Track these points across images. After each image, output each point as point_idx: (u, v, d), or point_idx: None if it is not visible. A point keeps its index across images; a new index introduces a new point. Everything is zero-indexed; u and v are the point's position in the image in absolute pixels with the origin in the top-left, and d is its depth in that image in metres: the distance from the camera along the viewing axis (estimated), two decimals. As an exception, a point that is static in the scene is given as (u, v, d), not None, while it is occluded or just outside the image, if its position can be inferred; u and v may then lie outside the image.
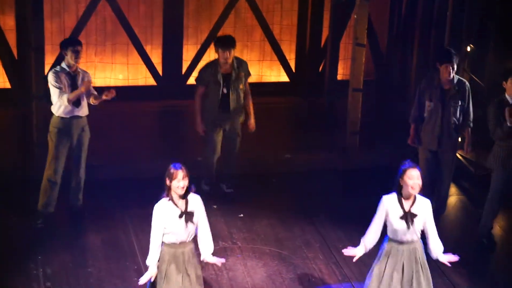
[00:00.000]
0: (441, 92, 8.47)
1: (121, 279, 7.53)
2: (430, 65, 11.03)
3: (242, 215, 8.88)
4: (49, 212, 8.40)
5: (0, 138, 10.08)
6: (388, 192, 6.39)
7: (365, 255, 6.54)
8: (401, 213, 6.26)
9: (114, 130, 10.54)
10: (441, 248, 6.43)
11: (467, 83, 8.56)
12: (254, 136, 9.42)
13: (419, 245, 6.40)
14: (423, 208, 6.32)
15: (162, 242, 6.22)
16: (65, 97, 8.11)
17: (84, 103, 8.32)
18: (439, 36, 10.66)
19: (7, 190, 8.91)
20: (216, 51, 8.88)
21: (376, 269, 6.46)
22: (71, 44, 8.21)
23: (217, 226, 8.28)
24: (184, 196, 6.18)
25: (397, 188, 6.31)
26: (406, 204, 6.28)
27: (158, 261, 6.23)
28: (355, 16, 10.02)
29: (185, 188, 6.14)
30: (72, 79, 8.20)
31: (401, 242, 6.33)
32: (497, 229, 8.91)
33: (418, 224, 6.28)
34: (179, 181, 6.09)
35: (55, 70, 8.22)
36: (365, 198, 8.59)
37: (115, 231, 8.42)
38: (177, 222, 6.15)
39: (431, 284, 6.48)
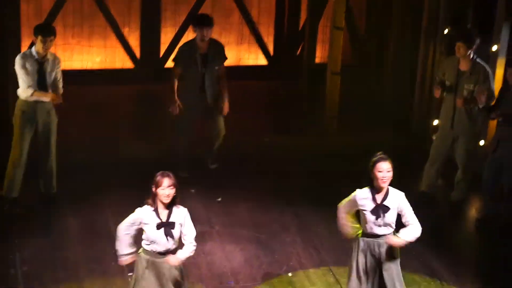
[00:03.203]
0: (457, 73, 8.51)
1: (98, 263, 7.50)
2: (406, 48, 11.08)
3: (220, 199, 8.87)
4: (13, 197, 8.35)
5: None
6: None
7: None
8: (373, 206, 6.21)
9: (91, 114, 10.48)
10: (411, 234, 6.30)
11: (485, 67, 8.48)
12: (232, 119, 9.40)
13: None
14: (396, 200, 6.24)
15: (142, 248, 6.08)
16: (29, 91, 8.06)
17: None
18: (416, 20, 10.67)
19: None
20: (193, 30, 8.84)
21: (353, 263, 6.40)
22: (43, 33, 8.03)
23: (195, 211, 8.18)
24: (168, 206, 5.98)
25: (369, 181, 6.23)
26: (378, 197, 6.22)
27: (135, 263, 6.11)
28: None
29: (170, 197, 5.93)
30: (40, 66, 8.10)
31: (375, 236, 6.29)
32: (473, 212, 8.98)
33: (390, 217, 6.22)
34: (164, 188, 5.89)
35: (23, 54, 8.13)
36: (343, 182, 8.62)
37: (93, 215, 8.39)
38: (156, 232, 5.97)
39: (401, 278, 6.42)
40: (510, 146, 8.21)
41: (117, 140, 9.85)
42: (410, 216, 6.29)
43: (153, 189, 5.96)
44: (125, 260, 6.19)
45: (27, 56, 8.08)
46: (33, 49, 8.10)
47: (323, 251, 7.90)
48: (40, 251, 7.68)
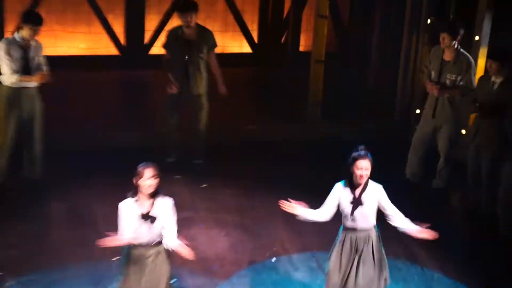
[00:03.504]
0: (441, 63, 8.58)
1: (81, 247, 7.51)
2: (390, 38, 11.15)
3: (205, 184, 8.92)
4: None
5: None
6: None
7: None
8: (350, 199, 6.22)
9: (75, 100, 10.48)
10: (409, 224, 6.35)
11: (468, 57, 8.54)
12: (217, 106, 9.43)
13: (374, 233, 6.33)
14: (374, 194, 6.23)
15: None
16: (14, 76, 8.07)
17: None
18: (400, 9, 10.74)
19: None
20: (178, 16, 8.85)
21: (333, 256, 6.42)
22: (33, 22, 8.03)
23: (180, 196, 8.26)
24: (152, 196, 5.91)
25: (348, 174, 6.22)
26: (356, 191, 6.22)
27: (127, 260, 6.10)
28: (318, -12, 10.05)
29: (153, 187, 5.86)
30: (24, 52, 8.11)
31: (354, 229, 6.29)
32: (454, 199, 9.07)
33: (368, 210, 6.23)
34: (145, 180, 5.81)
35: (7, 39, 8.15)
36: (327, 170, 8.68)
37: (77, 200, 8.40)
38: (138, 223, 5.91)
39: (387, 272, 6.43)
40: (486, 133, 8.30)
41: (102, 126, 9.86)
42: (390, 208, 6.29)
43: (135, 181, 5.88)
44: (121, 241, 5.97)
45: (11, 42, 8.08)
46: (17, 34, 8.09)
47: (306, 236, 7.94)
48: (26, 235, 7.69)
